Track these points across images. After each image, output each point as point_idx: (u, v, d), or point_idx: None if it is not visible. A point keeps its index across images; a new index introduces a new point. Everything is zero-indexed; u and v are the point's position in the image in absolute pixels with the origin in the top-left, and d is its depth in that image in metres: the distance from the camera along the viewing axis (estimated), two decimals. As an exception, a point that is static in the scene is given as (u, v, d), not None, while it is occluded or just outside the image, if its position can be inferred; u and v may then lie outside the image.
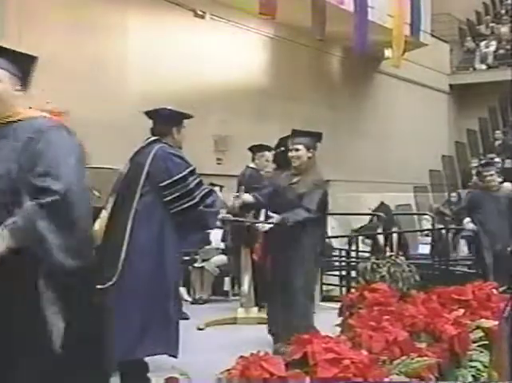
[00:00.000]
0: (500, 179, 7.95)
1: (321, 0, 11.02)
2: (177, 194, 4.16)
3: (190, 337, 6.24)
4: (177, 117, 4.41)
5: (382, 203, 11.39)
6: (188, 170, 4.24)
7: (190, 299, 8.40)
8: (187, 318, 7.19)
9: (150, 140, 4.35)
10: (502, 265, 6.99)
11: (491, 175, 7.73)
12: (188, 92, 11.14)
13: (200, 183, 4.29)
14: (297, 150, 5.30)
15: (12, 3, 8.81)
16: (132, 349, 4.02)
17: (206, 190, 4.33)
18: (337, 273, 9.68)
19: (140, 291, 4.07)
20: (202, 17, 11.56)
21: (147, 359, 4.26)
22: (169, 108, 4.43)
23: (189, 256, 8.87)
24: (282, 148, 6.24)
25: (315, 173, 5.32)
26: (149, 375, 4.21)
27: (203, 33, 11.45)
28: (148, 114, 4.42)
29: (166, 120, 4.36)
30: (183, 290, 8.11)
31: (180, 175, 4.18)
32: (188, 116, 4.47)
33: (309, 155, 5.31)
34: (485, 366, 3.30)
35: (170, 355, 4.16)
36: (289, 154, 5.35)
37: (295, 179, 5.33)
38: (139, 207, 4.12)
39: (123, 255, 4.05)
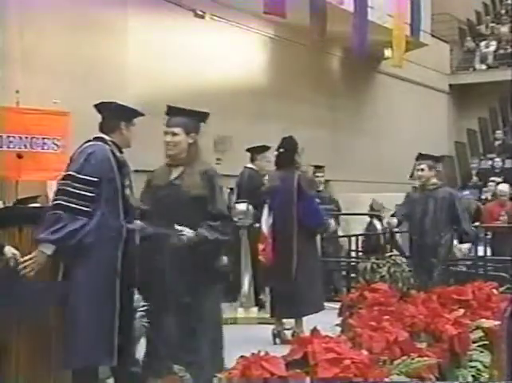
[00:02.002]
0: (432, 174, 6.68)
1: (321, 0, 11.01)
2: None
3: (190, 337, 6.25)
4: (126, 112, 4.15)
5: None
6: (87, 177, 3.83)
7: (190, 299, 8.40)
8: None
9: (93, 137, 4.09)
10: (432, 272, 6.34)
11: (422, 169, 6.60)
12: (188, 92, 11.13)
13: (83, 197, 3.79)
14: (174, 134, 4.11)
15: (12, 3, 8.81)
16: (84, 357, 3.82)
17: (72, 207, 3.77)
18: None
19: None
20: (202, 17, 11.57)
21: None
22: (119, 102, 4.20)
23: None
24: (281, 150, 6.23)
25: (202, 163, 4.16)
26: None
27: (203, 33, 11.45)
28: (97, 107, 4.15)
29: (115, 114, 4.10)
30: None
31: (68, 173, 3.88)
32: (139, 114, 4.20)
33: (190, 140, 4.12)
34: (485, 366, 3.31)
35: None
36: (164, 139, 4.15)
37: (176, 173, 4.14)
38: None
39: None
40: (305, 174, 6.28)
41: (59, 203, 3.80)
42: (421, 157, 6.74)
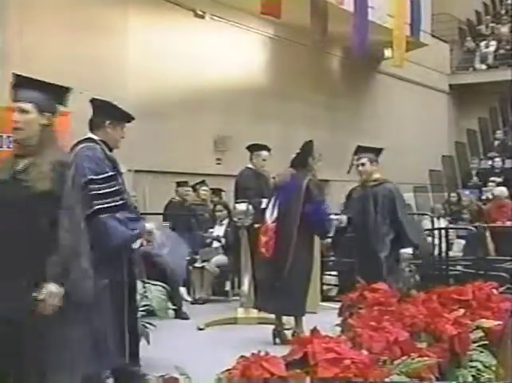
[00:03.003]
0: (375, 169, 6.08)
1: (322, 0, 11.01)
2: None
3: (190, 337, 6.26)
4: (111, 111, 4.11)
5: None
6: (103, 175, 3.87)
7: (190, 299, 8.41)
8: (187, 318, 7.21)
9: (83, 138, 4.08)
10: (375, 272, 5.63)
11: (362, 164, 6.03)
12: (188, 92, 11.14)
13: (110, 194, 3.85)
14: (23, 111, 3.10)
15: (12, 3, 8.81)
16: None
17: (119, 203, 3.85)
18: (337, 273, 9.67)
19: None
20: (202, 17, 11.57)
21: (145, 360, 4.26)
22: (107, 100, 4.16)
23: (189, 256, 8.88)
24: (298, 151, 6.32)
25: (55, 151, 3.13)
26: (148, 375, 4.21)
27: (203, 33, 11.45)
28: (90, 102, 4.17)
29: (100, 111, 4.10)
30: (183, 290, 8.12)
31: (86, 179, 3.83)
32: (128, 116, 4.15)
33: (43, 121, 3.13)
34: (485, 366, 3.30)
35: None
36: (14, 117, 3.11)
37: (22, 165, 3.08)
38: None
39: None
40: (315, 178, 6.27)
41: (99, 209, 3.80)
42: (360, 150, 6.09)
